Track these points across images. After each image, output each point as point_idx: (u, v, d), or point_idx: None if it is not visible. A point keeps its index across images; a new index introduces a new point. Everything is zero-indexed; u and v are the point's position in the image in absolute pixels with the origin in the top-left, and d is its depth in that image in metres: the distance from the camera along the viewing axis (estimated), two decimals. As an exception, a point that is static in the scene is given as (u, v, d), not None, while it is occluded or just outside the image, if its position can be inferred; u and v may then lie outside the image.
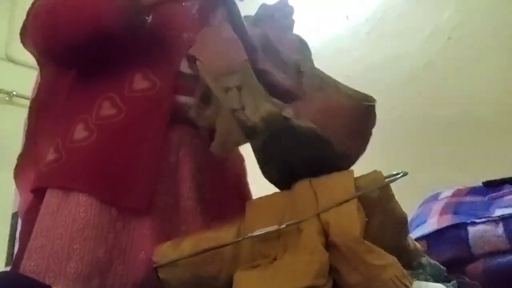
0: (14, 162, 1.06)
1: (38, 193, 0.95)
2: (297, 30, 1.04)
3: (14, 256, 0.94)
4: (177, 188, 0.93)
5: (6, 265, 3.23)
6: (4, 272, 0.91)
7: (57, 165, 0.91)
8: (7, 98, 3.29)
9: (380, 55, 2.21)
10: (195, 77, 0.90)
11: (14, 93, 3.26)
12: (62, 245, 0.84)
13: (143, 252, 0.86)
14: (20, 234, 0.97)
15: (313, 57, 0.95)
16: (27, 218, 0.96)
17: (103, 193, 0.86)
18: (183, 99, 0.95)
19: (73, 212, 0.86)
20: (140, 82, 0.93)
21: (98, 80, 0.96)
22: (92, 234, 0.84)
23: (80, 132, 0.91)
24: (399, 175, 0.74)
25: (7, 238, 3.32)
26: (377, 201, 0.72)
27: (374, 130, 0.83)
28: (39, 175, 0.96)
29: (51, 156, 0.93)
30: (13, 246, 3.57)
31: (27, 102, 1.08)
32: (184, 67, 0.97)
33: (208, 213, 0.95)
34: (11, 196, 3.23)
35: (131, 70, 0.94)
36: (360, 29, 2.34)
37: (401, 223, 0.75)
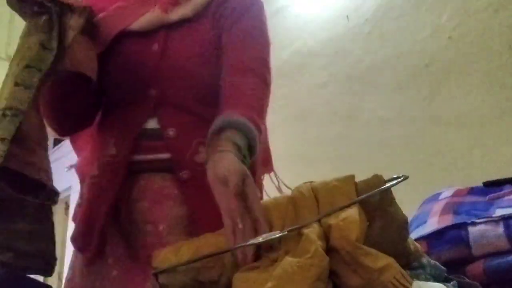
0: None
1: None
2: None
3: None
4: (153, 227, 1.03)
5: (7, 265, 3.23)
6: (5, 273, 0.92)
7: None
8: (7, 98, 3.28)
9: (380, 55, 2.21)
10: (160, 131, 1.04)
11: (15, 93, 3.26)
12: None
13: None
14: None
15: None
16: None
17: (76, 245, 1.09)
18: (142, 157, 1.05)
19: None
20: (110, 148, 1.06)
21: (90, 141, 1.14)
22: (69, 275, 1.10)
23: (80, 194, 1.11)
24: (400, 179, 0.74)
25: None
26: (378, 205, 0.73)
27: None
28: None
29: None
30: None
31: (27, 102, 1.14)
32: (153, 123, 1.05)
33: None
34: (11, 197, 3.24)
35: (107, 135, 1.08)
36: (360, 29, 2.34)
37: (401, 226, 0.75)
